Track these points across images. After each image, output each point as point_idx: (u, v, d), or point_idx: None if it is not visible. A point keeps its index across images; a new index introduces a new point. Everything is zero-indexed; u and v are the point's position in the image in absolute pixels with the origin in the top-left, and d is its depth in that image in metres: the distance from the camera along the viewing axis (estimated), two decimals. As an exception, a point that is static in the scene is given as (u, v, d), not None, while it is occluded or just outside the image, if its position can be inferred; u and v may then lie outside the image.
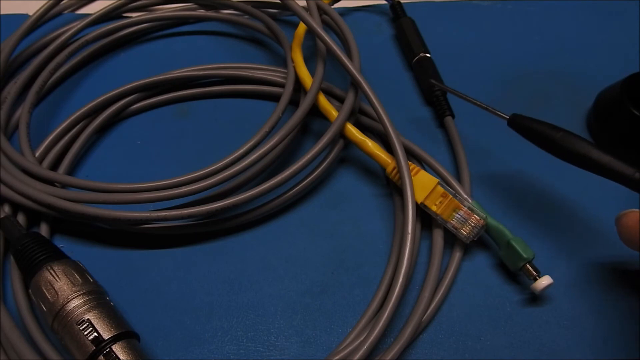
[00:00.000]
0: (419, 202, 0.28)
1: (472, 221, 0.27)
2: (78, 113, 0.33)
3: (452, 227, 0.28)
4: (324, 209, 0.31)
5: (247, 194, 0.28)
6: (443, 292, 0.27)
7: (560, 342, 0.27)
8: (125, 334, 0.24)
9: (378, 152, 0.30)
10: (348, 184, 0.32)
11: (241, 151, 0.28)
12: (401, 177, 0.27)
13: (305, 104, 0.30)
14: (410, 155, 0.31)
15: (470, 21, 0.41)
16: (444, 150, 0.33)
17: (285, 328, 0.27)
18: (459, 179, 0.31)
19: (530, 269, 0.27)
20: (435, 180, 0.28)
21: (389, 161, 0.29)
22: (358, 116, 0.33)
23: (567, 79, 0.37)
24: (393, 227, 0.30)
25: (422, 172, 0.29)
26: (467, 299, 0.28)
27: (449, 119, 0.34)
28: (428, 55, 0.36)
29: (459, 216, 0.27)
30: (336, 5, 0.39)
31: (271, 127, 0.29)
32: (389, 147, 0.30)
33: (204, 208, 0.27)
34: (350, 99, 0.31)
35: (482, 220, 0.27)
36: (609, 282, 0.28)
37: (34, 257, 0.25)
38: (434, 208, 0.28)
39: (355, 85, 0.31)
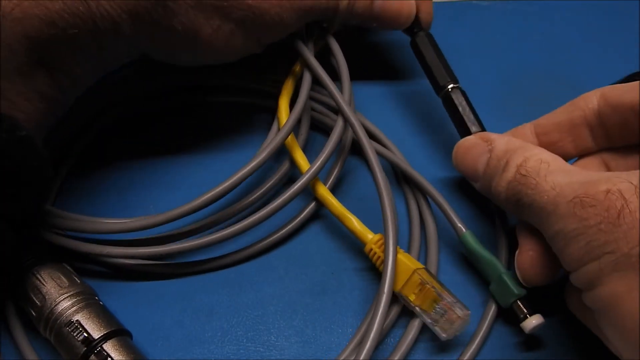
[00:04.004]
0: (395, 290, 0.25)
1: (451, 316, 0.24)
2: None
3: (430, 319, 0.25)
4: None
5: (200, 241, 0.27)
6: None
7: (560, 341, 0.26)
8: (116, 332, 0.24)
9: (360, 230, 0.27)
10: (349, 183, 0.32)
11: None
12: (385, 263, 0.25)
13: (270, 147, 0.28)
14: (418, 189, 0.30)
15: (470, 21, 0.41)
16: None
17: (285, 328, 0.27)
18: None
19: (521, 306, 0.25)
20: (412, 267, 0.25)
21: (368, 240, 0.27)
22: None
23: (567, 79, 0.37)
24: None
25: (401, 255, 0.26)
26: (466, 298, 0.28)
27: None
28: (457, 85, 0.31)
29: (439, 309, 0.25)
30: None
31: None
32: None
33: (160, 249, 0.27)
34: (326, 152, 0.28)
35: (464, 317, 0.24)
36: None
37: (18, 265, 0.25)
38: (411, 297, 0.25)
39: (345, 119, 0.29)
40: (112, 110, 0.34)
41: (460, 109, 0.30)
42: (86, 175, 0.32)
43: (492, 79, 0.37)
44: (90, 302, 0.24)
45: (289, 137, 0.29)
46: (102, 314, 0.24)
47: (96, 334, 0.23)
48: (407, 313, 0.27)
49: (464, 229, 0.28)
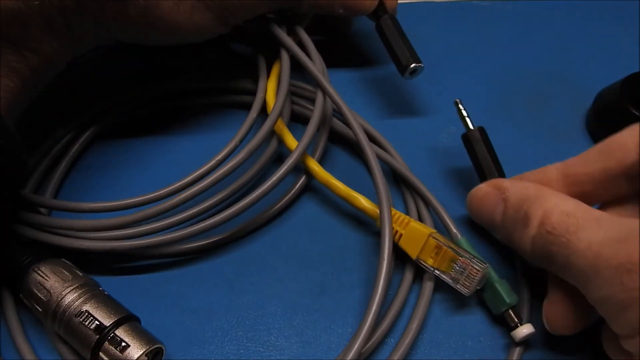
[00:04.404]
0: (413, 257, 0.27)
1: (471, 272, 0.25)
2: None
3: (450, 278, 0.26)
4: (324, 208, 0.31)
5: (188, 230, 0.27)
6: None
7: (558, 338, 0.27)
8: (126, 318, 0.24)
9: (369, 207, 0.28)
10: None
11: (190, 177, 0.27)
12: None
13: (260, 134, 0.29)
14: (412, 189, 0.30)
15: (470, 21, 0.41)
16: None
17: (285, 328, 0.27)
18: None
19: (513, 315, 0.25)
20: (427, 232, 0.26)
21: (378, 215, 0.27)
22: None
23: (567, 79, 0.37)
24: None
25: (413, 223, 0.27)
26: (464, 296, 0.28)
27: None
28: (479, 126, 0.30)
29: (458, 267, 0.25)
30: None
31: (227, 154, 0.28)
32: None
33: (153, 239, 0.27)
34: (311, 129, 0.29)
35: (484, 270, 0.25)
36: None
37: (16, 263, 0.25)
38: (430, 262, 0.26)
39: (323, 91, 0.30)
40: (108, 112, 0.34)
41: (478, 152, 0.29)
42: (85, 173, 0.32)
43: (492, 79, 0.37)
44: (96, 292, 0.25)
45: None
46: (110, 302, 0.24)
47: (107, 321, 0.23)
48: (407, 313, 0.27)
49: (459, 235, 0.28)
